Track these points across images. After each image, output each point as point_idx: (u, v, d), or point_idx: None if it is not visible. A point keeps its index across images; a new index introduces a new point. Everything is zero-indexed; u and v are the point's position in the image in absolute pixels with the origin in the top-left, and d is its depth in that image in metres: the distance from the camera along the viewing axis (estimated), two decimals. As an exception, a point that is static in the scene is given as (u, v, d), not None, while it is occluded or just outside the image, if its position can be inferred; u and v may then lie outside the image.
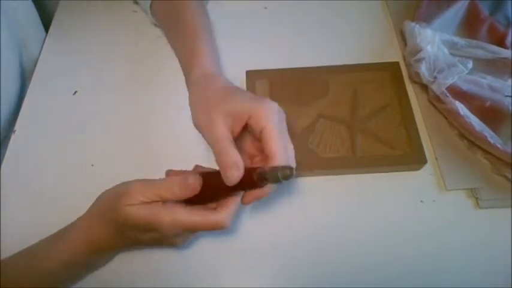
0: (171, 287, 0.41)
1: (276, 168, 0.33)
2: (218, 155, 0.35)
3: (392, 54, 0.55)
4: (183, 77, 0.45)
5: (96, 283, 0.41)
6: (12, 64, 0.53)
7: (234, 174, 0.34)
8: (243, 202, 0.37)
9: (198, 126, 0.39)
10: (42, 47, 0.58)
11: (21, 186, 0.47)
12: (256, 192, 0.36)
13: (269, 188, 0.36)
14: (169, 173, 0.42)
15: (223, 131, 0.36)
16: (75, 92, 0.53)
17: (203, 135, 0.38)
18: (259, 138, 0.36)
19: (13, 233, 0.44)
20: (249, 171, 0.35)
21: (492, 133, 0.44)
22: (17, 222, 0.44)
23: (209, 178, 0.37)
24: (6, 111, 0.52)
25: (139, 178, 0.39)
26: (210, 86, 0.40)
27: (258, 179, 0.34)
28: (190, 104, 0.41)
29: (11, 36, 0.52)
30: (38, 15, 0.59)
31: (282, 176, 0.33)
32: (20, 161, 0.48)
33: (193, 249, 0.43)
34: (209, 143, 0.37)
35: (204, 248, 0.43)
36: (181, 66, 0.46)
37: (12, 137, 0.50)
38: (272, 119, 0.35)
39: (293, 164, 0.36)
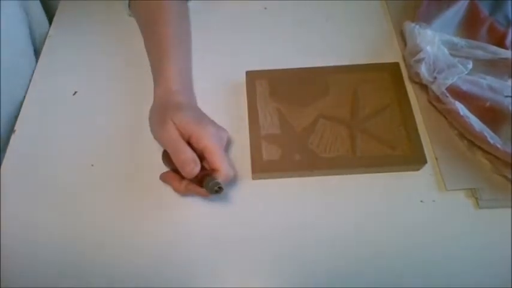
0: (172, 287, 0.41)
1: (208, 182, 0.39)
2: (176, 154, 0.40)
3: (392, 54, 0.55)
4: None
5: (95, 283, 0.41)
6: (27, 59, 0.54)
7: (193, 168, 0.39)
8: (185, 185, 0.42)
9: (154, 131, 0.44)
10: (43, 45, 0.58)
11: (21, 186, 0.47)
12: (198, 188, 0.41)
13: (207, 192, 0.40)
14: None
15: (176, 134, 0.41)
16: (75, 92, 0.53)
17: (159, 139, 0.43)
18: (201, 155, 0.41)
19: (13, 232, 0.44)
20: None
21: (492, 133, 0.44)
22: (17, 221, 0.44)
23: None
24: (13, 106, 0.52)
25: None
26: (167, 102, 0.45)
27: (200, 180, 0.40)
28: (149, 117, 0.46)
29: (25, 31, 0.54)
30: (43, 12, 0.60)
31: (210, 191, 0.39)
32: (20, 161, 0.48)
33: (193, 249, 0.43)
34: (165, 145, 0.42)
35: (204, 248, 0.43)
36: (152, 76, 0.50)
37: (12, 137, 0.50)
38: (211, 141, 0.41)
39: (233, 175, 0.43)
